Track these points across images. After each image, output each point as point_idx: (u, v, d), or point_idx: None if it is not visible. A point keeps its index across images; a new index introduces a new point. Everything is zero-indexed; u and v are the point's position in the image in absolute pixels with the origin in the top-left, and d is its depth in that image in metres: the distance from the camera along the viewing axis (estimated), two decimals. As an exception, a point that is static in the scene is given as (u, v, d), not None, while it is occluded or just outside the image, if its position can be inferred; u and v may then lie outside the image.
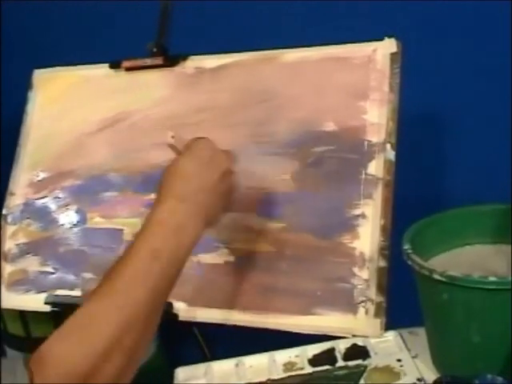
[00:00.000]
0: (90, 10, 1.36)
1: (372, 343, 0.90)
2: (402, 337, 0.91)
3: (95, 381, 0.61)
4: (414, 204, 0.97)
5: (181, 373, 0.94)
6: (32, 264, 1.08)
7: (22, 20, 1.45)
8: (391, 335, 0.90)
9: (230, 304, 0.94)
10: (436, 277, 0.76)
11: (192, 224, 0.74)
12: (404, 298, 0.93)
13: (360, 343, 0.90)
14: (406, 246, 0.82)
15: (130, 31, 1.29)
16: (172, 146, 0.86)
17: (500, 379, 0.77)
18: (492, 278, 0.74)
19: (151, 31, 1.10)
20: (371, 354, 0.88)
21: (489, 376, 0.78)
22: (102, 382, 0.61)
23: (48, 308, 1.04)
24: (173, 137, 0.87)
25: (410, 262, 0.80)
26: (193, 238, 0.74)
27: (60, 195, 1.10)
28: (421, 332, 0.91)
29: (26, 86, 1.18)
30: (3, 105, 1.49)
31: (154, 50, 1.10)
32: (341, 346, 0.91)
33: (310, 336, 0.90)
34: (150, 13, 1.10)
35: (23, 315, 1.35)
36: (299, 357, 0.91)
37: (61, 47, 1.38)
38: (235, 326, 0.93)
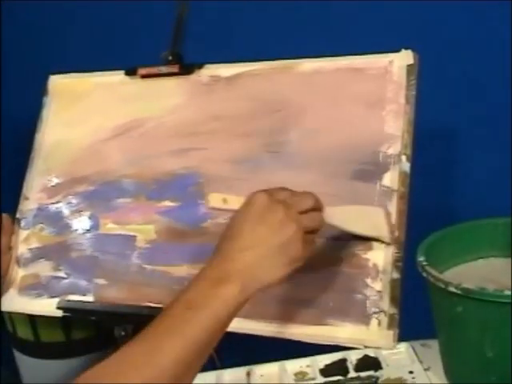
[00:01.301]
0: (108, 17, 1.37)
1: (384, 355, 0.89)
2: (414, 349, 0.90)
3: None
4: (428, 216, 0.97)
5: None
6: (44, 269, 1.08)
7: (38, 26, 1.46)
8: (403, 347, 0.90)
9: (242, 313, 0.93)
10: (451, 289, 0.76)
11: (232, 280, 0.72)
12: (416, 310, 0.93)
13: (372, 354, 0.90)
14: (421, 258, 0.81)
15: (145, 39, 1.30)
16: (225, 209, 0.86)
17: (513, 394, 0.77)
18: (507, 292, 0.74)
19: (167, 39, 1.10)
20: (383, 365, 0.88)
21: (503, 390, 0.78)
22: None
23: (60, 313, 1.04)
24: (225, 199, 0.87)
25: (424, 274, 0.80)
26: (233, 294, 0.72)
27: (73, 201, 1.10)
28: (433, 344, 0.90)
29: (41, 91, 1.18)
30: (16, 109, 1.50)
31: (170, 58, 1.10)
32: (352, 357, 0.90)
33: (320, 346, 0.89)
34: (165, 21, 1.10)
35: (33, 320, 1.34)
36: (310, 367, 0.91)
37: (76, 54, 1.39)
38: (246, 335, 0.93)
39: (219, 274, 0.72)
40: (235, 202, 0.82)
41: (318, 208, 0.80)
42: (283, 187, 0.80)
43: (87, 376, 0.65)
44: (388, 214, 0.87)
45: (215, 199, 0.88)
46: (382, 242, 0.86)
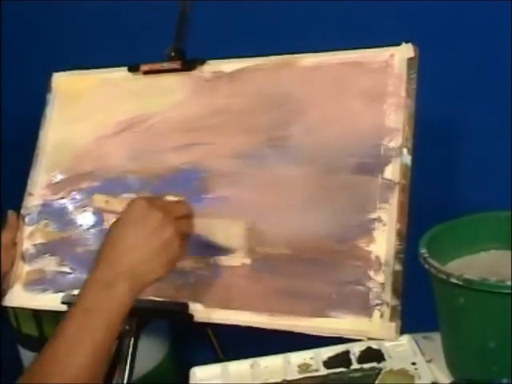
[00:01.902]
0: (110, 14, 1.37)
1: (386, 347, 0.89)
2: (416, 341, 0.91)
3: None
4: (430, 209, 0.98)
5: (197, 372, 0.94)
6: (49, 264, 1.09)
7: (40, 22, 1.46)
8: (405, 339, 0.90)
9: (245, 306, 0.94)
10: (453, 280, 0.76)
11: (120, 282, 0.79)
12: (418, 304, 0.94)
13: (374, 346, 0.90)
14: (423, 250, 0.82)
15: (147, 35, 1.30)
16: (107, 210, 0.98)
17: (515, 384, 0.77)
18: (509, 283, 0.74)
19: (169, 36, 1.11)
20: (386, 357, 0.88)
21: (504, 381, 0.78)
22: None
23: (65, 308, 1.05)
24: (107, 201, 0.99)
25: (426, 266, 0.80)
26: (123, 294, 0.79)
27: (77, 196, 1.11)
28: (435, 337, 0.90)
29: (43, 88, 1.19)
30: (17, 107, 1.51)
31: (172, 54, 1.11)
32: (355, 349, 0.90)
33: (323, 338, 0.90)
34: (168, 17, 1.11)
35: (37, 315, 1.35)
36: (314, 359, 0.91)
37: (79, 50, 1.39)
38: (250, 328, 0.93)
39: (108, 279, 0.79)
40: (116, 204, 0.96)
41: (190, 215, 0.91)
42: (160, 196, 0.92)
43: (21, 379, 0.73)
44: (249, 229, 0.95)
45: (98, 200, 1.02)
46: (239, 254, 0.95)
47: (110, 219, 1.06)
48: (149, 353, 1.45)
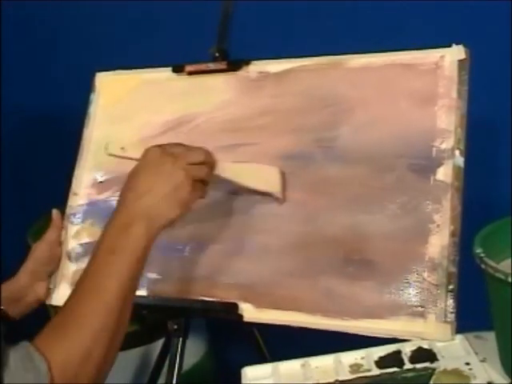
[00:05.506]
0: (152, 15, 1.39)
1: (438, 346, 0.92)
2: (468, 341, 0.93)
3: (90, 364, 0.77)
4: (482, 207, 0.99)
5: (248, 372, 0.96)
6: (96, 264, 1.11)
7: (84, 22, 1.49)
8: (458, 339, 0.92)
9: (296, 306, 0.96)
10: (511, 280, 0.78)
11: (136, 223, 0.86)
12: (469, 302, 0.95)
13: (426, 346, 0.92)
14: (479, 250, 0.84)
15: (189, 36, 1.32)
16: (125, 157, 0.99)
17: None
18: None
19: (211, 36, 1.13)
20: (438, 357, 0.91)
21: (560, 380, 0.80)
22: (94, 363, 0.77)
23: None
24: (123, 148, 1.00)
25: (483, 266, 0.82)
26: (140, 234, 0.86)
27: (123, 196, 1.13)
28: (487, 336, 0.92)
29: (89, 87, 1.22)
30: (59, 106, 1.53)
31: (216, 54, 1.13)
32: (406, 349, 0.93)
33: (372, 338, 0.91)
34: (211, 17, 1.12)
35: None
36: (365, 359, 0.94)
37: (123, 51, 1.42)
38: (300, 328, 0.95)
39: (124, 221, 0.87)
40: (132, 151, 0.97)
41: (208, 162, 0.95)
42: (179, 143, 0.95)
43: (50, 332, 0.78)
44: (282, 173, 1.00)
45: (112, 147, 1.01)
46: (275, 197, 1.00)
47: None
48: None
